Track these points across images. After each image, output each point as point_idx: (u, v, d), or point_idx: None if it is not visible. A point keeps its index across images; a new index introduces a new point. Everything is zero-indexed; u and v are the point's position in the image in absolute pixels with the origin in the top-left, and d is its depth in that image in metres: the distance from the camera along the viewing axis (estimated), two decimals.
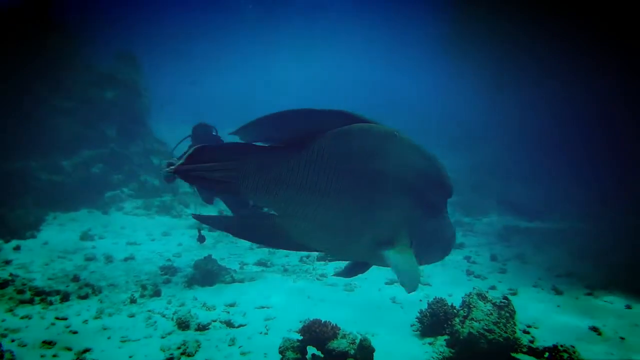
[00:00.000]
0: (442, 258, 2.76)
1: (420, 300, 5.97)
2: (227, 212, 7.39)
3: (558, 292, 6.57)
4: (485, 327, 4.18)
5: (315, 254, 7.96)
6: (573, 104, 9.83)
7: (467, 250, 9.08)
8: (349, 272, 2.70)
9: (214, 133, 6.68)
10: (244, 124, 2.29)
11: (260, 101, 30.97)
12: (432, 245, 2.66)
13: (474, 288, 4.59)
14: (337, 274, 2.74)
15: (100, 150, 12.66)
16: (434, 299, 4.89)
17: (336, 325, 4.09)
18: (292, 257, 8.14)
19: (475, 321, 4.23)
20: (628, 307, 5.97)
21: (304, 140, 2.36)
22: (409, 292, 2.34)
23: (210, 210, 11.39)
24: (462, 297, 4.64)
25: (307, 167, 2.37)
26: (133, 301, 5.70)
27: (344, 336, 4.00)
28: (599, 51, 8.82)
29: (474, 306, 4.36)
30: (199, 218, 2.53)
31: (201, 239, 7.18)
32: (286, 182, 2.38)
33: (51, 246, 8.18)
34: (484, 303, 4.39)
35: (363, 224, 2.47)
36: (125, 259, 7.68)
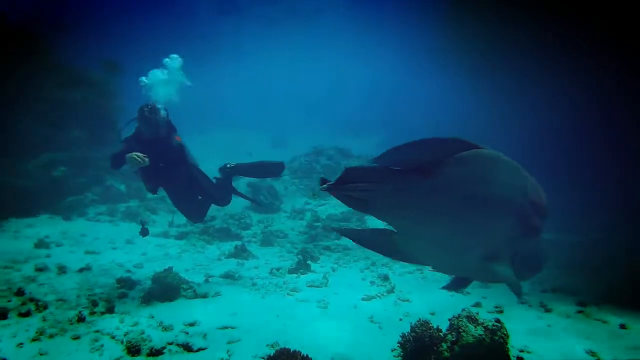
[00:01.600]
0: (535, 275, 3.09)
1: (400, 319, 5.47)
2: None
3: (547, 310, 6.10)
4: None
5: (287, 266, 7.43)
6: (573, 104, 9.59)
7: None
8: (454, 286, 3.09)
9: (162, 114, 6.10)
10: (384, 152, 2.66)
11: (245, 104, 30.45)
12: (528, 262, 2.96)
13: (463, 310, 4.09)
14: (444, 287, 3.13)
15: (64, 153, 11.98)
16: (417, 321, 4.35)
17: (307, 355, 3.55)
18: (261, 268, 7.59)
19: (466, 348, 3.73)
20: (622, 326, 5.52)
21: (429, 165, 2.65)
22: (519, 297, 3.05)
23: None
24: (450, 320, 4.13)
25: (431, 191, 2.65)
26: (81, 319, 5.08)
27: None
28: (599, 51, 8.62)
29: (464, 330, 3.86)
30: (336, 230, 3.66)
31: (144, 231, 6.65)
32: (411, 204, 2.68)
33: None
34: (475, 327, 3.89)
35: (472, 243, 2.75)
36: (81, 270, 7.06)
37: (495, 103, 12.56)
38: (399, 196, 2.63)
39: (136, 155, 5.57)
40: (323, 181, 2.70)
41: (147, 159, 5.59)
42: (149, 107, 5.97)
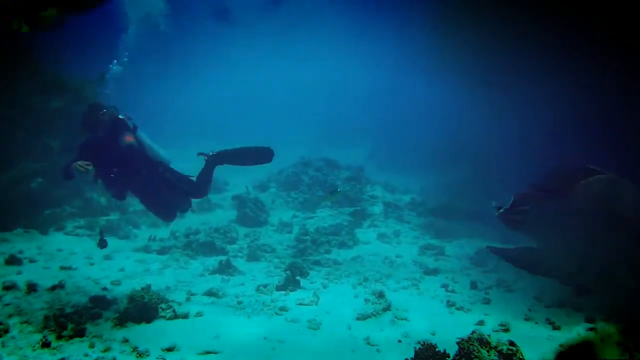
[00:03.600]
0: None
1: (400, 341, 5.04)
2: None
3: (555, 327, 5.66)
4: None
5: (275, 282, 6.94)
6: (572, 104, 9.37)
7: (442, 276, 8.13)
8: (578, 293, 3.58)
9: (101, 113, 5.78)
10: (534, 182, 3.56)
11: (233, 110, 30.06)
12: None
13: (473, 332, 3.65)
14: (575, 294, 3.72)
15: (41, 164, 11.42)
16: (421, 344, 3.89)
17: None
18: (247, 285, 7.10)
19: None
20: None
21: (563, 189, 3.27)
22: None
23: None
24: (458, 342, 3.70)
25: (567, 211, 3.17)
26: (46, 344, 4.57)
27: None
28: (599, 51, 8.44)
29: (476, 356, 3.42)
30: (492, 249, 3.73)
31: (102, 243, 6.29)
32: (550, 223, 3.24)
33: None
34: (487, 351, 3.46)
35: (597, 256, 3.27)
36: (53, 288, 6.52)
37: (492, 103, 12.30)
38: (541, 216, 3.16)
39: (78, 164, 5.19)
40: (497, 208, 3.31)
41: (90, 167, 5.18)
42: (88, 106, 5.68)
